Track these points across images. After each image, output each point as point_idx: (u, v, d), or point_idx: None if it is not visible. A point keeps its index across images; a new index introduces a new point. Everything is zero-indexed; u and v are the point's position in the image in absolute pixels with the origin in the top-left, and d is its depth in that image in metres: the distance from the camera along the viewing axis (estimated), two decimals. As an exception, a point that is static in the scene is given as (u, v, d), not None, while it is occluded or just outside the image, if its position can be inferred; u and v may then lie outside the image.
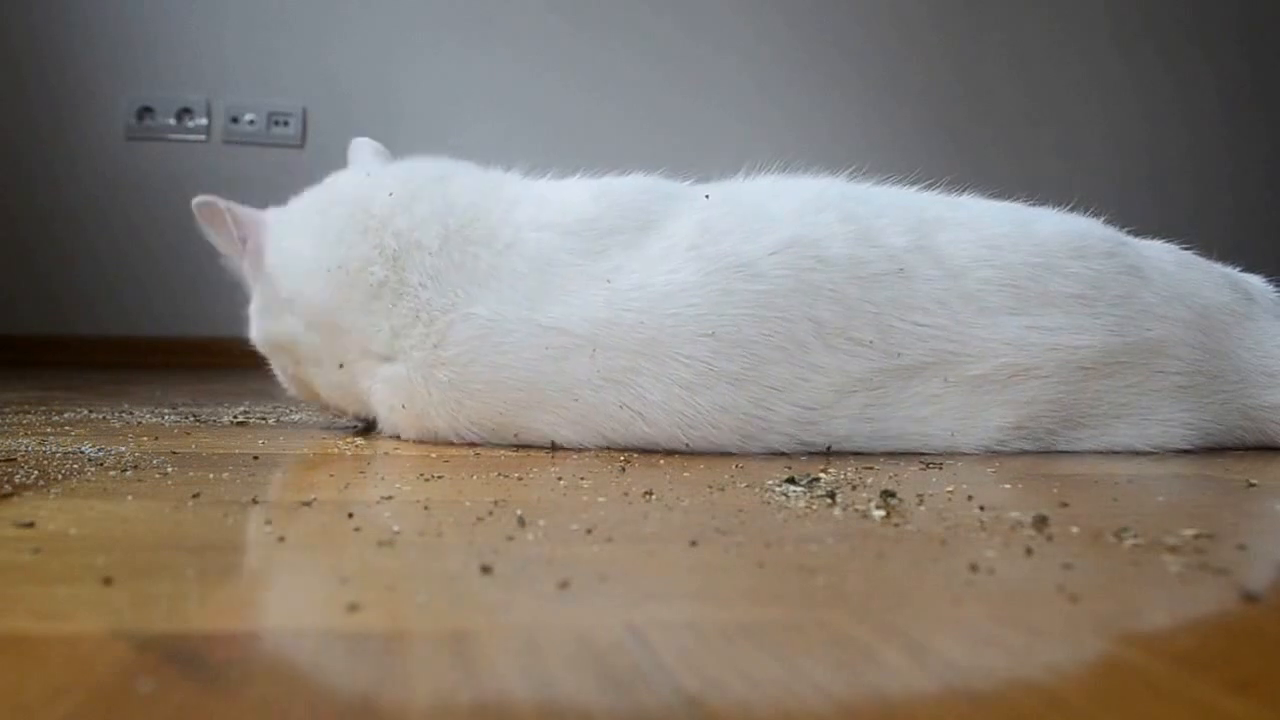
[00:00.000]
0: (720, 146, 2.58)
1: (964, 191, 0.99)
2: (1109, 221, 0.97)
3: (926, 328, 0.85)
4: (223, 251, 1.00)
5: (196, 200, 0.97)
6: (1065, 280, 0.88)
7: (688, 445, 0.84)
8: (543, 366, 0.84)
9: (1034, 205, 0.98)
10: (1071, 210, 0.98)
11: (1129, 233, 0.98)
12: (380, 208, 0.91)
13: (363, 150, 1.07)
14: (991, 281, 0.87)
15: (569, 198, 0.92)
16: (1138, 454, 0.88)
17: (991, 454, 0.86)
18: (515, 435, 0.87)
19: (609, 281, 0.85)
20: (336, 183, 0.99)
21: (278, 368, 1.01)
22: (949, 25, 2.94)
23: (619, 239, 0.87)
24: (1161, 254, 0.96)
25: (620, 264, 0.86)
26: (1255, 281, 1.00)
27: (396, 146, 1.07)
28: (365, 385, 0.92)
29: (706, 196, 0.91)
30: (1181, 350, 0.89)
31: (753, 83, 2.85)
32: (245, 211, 0.98)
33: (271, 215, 0.99)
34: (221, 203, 0.96)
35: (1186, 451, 0.90)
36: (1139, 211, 1.03)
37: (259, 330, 0.98)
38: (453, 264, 0.88)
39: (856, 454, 0.85)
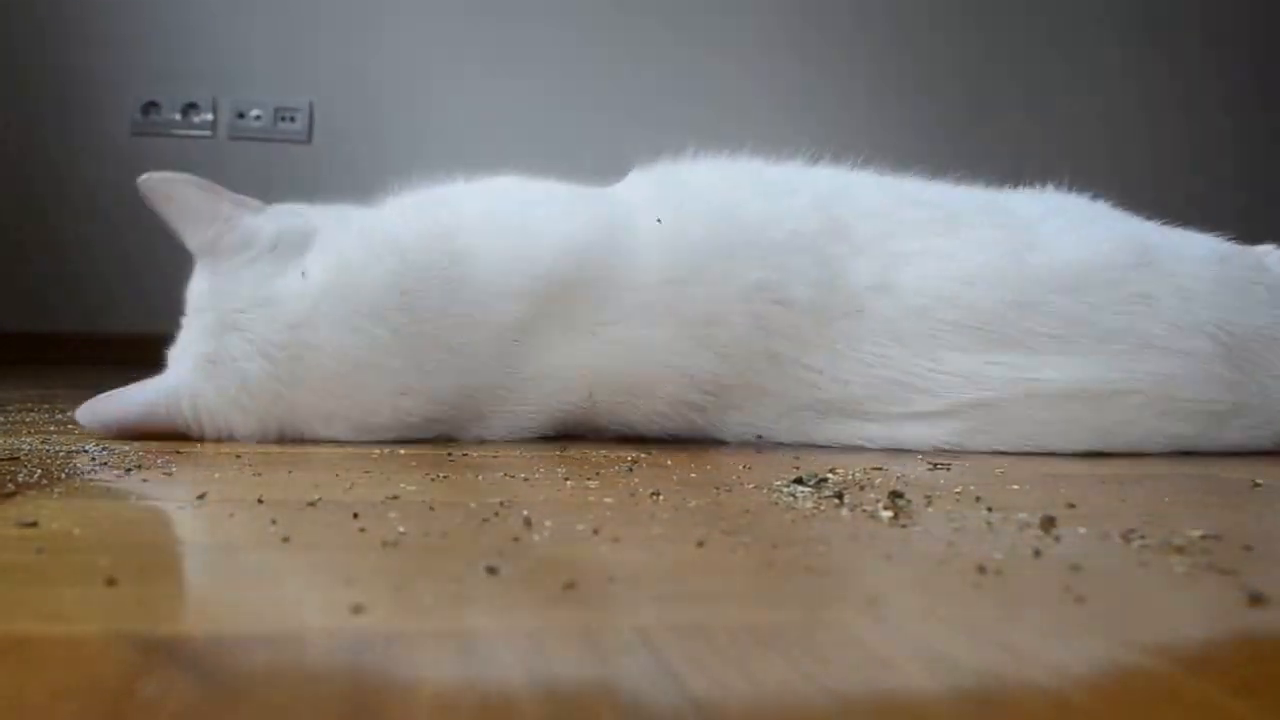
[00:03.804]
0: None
1: (962, 182, 0.99)
2: None
3: (879, 357, 0.87)
4: None
5: None
6: (1043, 319, 0.87)
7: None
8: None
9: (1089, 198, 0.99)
10: None
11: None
12: None
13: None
14: (953, 323, 0.87)
15: None
16: (1143, 455, 0.88)
17: (999, 455, 0.86)
18: None
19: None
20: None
21: None
22: (945, 18, 2.93)
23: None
24: (1198, 271, 0.92)
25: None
26: None
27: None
28: None
29: (659, 220, 0.91)
30: (1192, 387, 0.88)
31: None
32: None
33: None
34: None
35: (1192, 452, 0.89)
36: (1139, 204, 1.02)
37: None
38: None
39: (864, 454, 0.84)
